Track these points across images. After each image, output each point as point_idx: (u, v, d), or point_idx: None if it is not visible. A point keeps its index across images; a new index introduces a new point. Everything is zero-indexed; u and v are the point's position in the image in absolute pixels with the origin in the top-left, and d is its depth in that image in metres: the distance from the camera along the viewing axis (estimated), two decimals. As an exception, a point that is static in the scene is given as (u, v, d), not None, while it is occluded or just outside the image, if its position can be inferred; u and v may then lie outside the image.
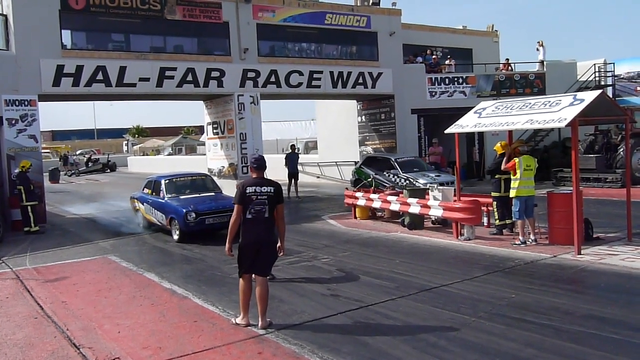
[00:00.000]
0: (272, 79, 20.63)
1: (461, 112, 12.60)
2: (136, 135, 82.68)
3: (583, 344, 5.83)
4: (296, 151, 22.55)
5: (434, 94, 24.19)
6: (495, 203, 11.85)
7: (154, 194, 14.14)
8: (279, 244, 6.81)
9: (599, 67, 26.12)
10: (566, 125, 9.59)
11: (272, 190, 6.65)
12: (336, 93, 22.81)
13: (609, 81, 26.13)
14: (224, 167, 21.32)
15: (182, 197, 13.48)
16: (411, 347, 5.98)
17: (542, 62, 25.69)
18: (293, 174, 21.46)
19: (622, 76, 26.55)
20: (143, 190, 14.93)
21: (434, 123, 23.76)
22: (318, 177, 28.43)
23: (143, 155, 61.26)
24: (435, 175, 18.06)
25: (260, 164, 6.89)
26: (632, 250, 9.80)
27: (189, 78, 18.98)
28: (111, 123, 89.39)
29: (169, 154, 57.29)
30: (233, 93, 19.92)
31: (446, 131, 12.18)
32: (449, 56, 26.49)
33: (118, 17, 18.11)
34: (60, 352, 6.27)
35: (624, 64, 26.55)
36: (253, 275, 6.72)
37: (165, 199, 13.52)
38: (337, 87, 22.11)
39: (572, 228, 9.86)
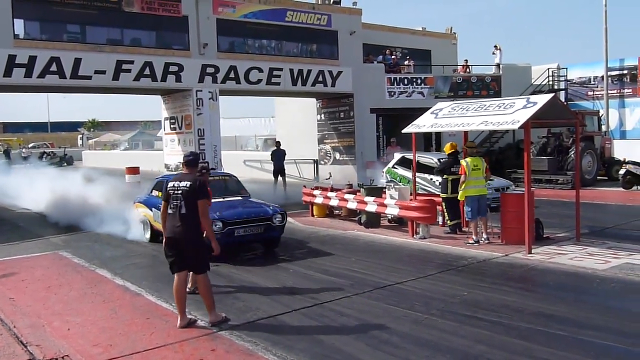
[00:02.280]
0: (232, 75, 20.48)
1: (419, 112, 12.75)
2: (92, 129, 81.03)
3: (531, 340, 5.98)
4: (282, 147, 22.04)
5: (392, 93, 24.41)
6: (444, 204, 12.05)
7: None
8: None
9: (552, 71, 26.85)
10: (519, 127, 9.82)
11: (188, 186, 6.57)
12: (296, 91, 22.80)
13: (562, 85, 26.89)
14: (181, 162, 21.02)
15: None
16: (364, 344, 6.03)
17: (498, 65, 26.19)
18: (279, 171, 21.27)
19: (574, 81, 27.38)
20: (151, 192, 12.19)
21: (392, 123, 23.96)
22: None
23: (105, 148, 59.98)
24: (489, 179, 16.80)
25: (188, 160, 6.98)
26: (580, 250, 10.08)
27: (147, 72, 18.67)
28: (65, 116, 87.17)
29: (126, 149, 56.33)
30: (191, 88, 19.69)
31: (403, 131, 12.31)
32: (408, 57, 26.78)
33: (74, 7, 17.69)
34: (6, 350, 6.11)
35: (576, 69, 27.37)
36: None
37: None
38: (296, 85, 22.08)
39: (523, 228, 10.09)
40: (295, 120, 27.52)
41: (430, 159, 16.42)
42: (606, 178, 21.92)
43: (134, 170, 22.26)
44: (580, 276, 8.56)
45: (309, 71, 22.26)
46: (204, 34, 19.83)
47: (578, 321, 6.54)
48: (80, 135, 72.54)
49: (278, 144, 22.33)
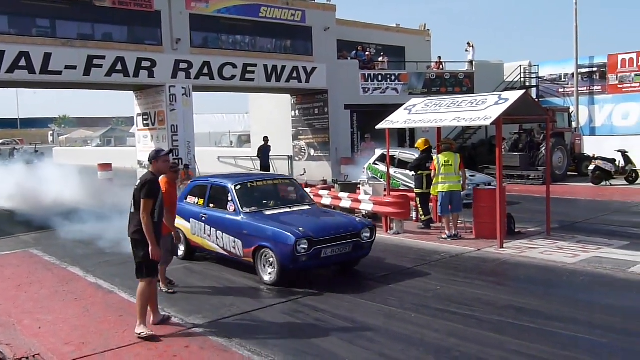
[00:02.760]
0: (205, 70, 20.35)
1: (393, 108, 12.80)
2: (63, 126, 79.80)
3: (503, 333, 6.08)
4: (269, 143, 21.77)
5: (367, 90, 24.49)
6: (418, 199, 12.16)
7: (211, 205, 9.33)
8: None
9: (524, 68, 27.19)
10: (491, 124, 9.92)
11: (137, 184, 6.32)
12: (270, 87, 22.74)
13: (534, 82, 27.27)
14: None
15: (267, 212, 8.77)
16: (339, 339, 6.07)
17: (471, 62, 26.45)
18: (266, 168, 21.02)
19: (545, 78, 27.73)
20: (185, 198, 9.90)
21: (366, 119, 24.01)
22: (250, 171, 28.25)
23: (76, 145, 59.11)
24: (471, 175, 15.94)
25: (149, 157, 6.55)
26: (550, 244, 10.25)
27: (119, 67, 18.45)
28: (36, 112, 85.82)
29: (98, 145, 55.63)
30: (164, 84, 19.52)
31: (377, 127, 12.37)
32: (382, 53, 26.88)
33: (44, 1, 17.46)
34: (-25, 349, 6.01)
35: (547, 66, 27.73)
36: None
37: (242, 215, 8.62)
38: (271, 81, 22.03)
39: (495, 223, 10.23)
40: (270, 117, 27.44)
41: (411, 155, 16.51)
42: (576, 174, 22.30)
43: (106, 167, 22.05)
44: (551, 270, 8.71)
45: (283, 67, 22.22)
46: (176, 29, 19.67)
47: (548, 313, 6.66)
48: (51, 132, 71.44)
49: (266, 139, 21.90)
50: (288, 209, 9.00)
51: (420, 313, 6.76)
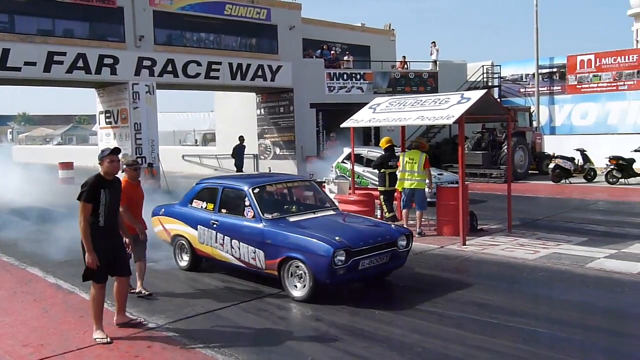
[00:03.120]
0: (169, 68, 20.17)
1: (358, 107, 12.87)
2: (22, 123, 78.00)
3: (464, 328, 6.16)
4: (244, 143, 21.30)
5: (332, 88, 24.56)
6: (382, 197, 12.24)
7: (223, 210, 8.30)
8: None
9: (486, 68, 27.62)
10: (454, 122, 10.05)
11: None
12: (235, 85, 22.64)
13: (496, 82, 27.70)
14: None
15: (291, 218, 7.87)
16: (303, 336, 6.09)
17: (435, 62, 26.74)
18: (240, 168, 20.60)
19: (507, 78, 28.19)
20: (190, 203, 8.91)
21: (332, 117, 24.06)
22: (216, 170, 28.08)
23: (35, 143, 57.85)
24: (439, 174, 16.42)
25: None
26: (512, 241, 10.44)
27: (80, 64, 18.16)
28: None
29: (59, 144, 54.54)
30: (127, 81, 19.29)
31: (342, 125, 12.42)
32: (347, 52, 26.98)
33: (1, -5, 17.03)
34: None
35: (509, 66, 28.20)
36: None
37: (263, 222, 7.66)
38: (236, 79, 21.94)
39: (458, 220, 10.37)
40: (235, 115, 27.31)
41: (379, 153, 16.57)
42: (537, 172, 22.74)
43: (67, 165, 21.65)
44: (512, 266, 8.86)
45: (249, 65, 22.15)
46: (140, 26, 19.43)
47: (509, 309, 6.78)
48: (10, 130, 69.73)
49: (241, 138, 21.41)
50: (313, 215, 8.10)
51: (383, 310, 6.80)
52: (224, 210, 8.29)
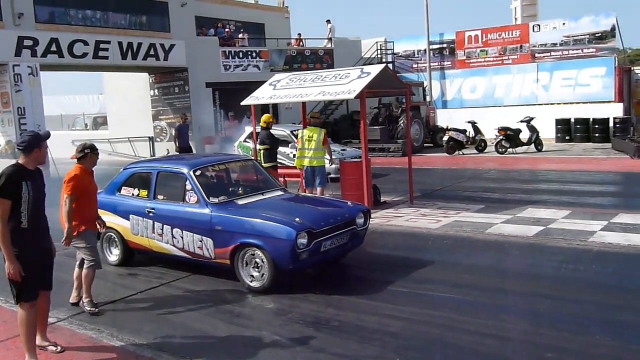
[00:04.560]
0: (53, 48, 18.92)
1: (255, 85, 12.69)
2: None
3: (376, 299, 6.24)
4: (187, 122, 19.26)
5: (228, 67, 24.09)
6: None
7: (160, 197, 7.53)
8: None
9: (380, 45, 28.10)
10: (355, 97, 10.12)
11: None
12: (126, 65, 21.64)
13: (390, 58, 28.25)
14: (0, 145, 19.21)
15: (239, 201, 7.27)
16: (217, 319, 5.94)
17: (330, 39, 26.87)
18: (186, 150, 18.14)
19: (400, 54, 28.84)
20: (118, 190, 8.03)
21: (229, 97, 23.64)
22: (110, 154, 26.89)
23: None
24: (341, 150, 16.52)
25: (20, 145, 5.00)
26: (414, 212, 10.73)
27: (-50, 44, 16.69)
28: None
29: None
30: (7, 63, 17.91)
31: (242, 103, 12.19)
32: (241, 30, 26.53)
33: None
34: None
35: (402, 42, 28.84)
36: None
37: (209, 207, 6.98)
38: (126, 59, 20.96)
39: (362, 194, 10.50)
40: (127, 97, 26.18)
41: (283, 131, 16.49)
42: (432, 145, 23.56)
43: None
44: (416, 235, 9.12)
45: (140, 44, 21.23)
46: (18, 2, 18.09)
47: (416, 277, 6.95)
48: None
49: (184, 117, 19.28)
50: (262, 196, 7.51)
51: (295, 287, 6.75)
52: (160, 197, 7.50)
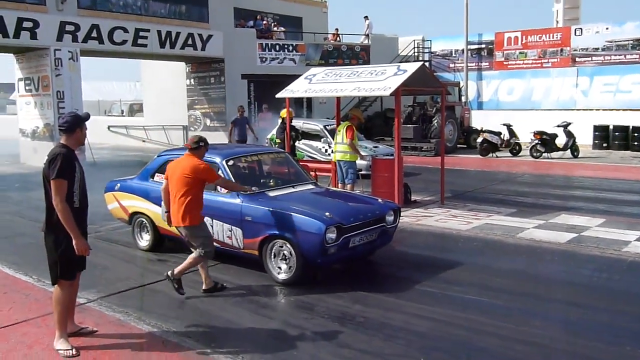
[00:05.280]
0: (94, 34, 19.20)
1: (291, 79, 12.66)
2: None
3: (403, 298, 6.20)
4: (245, 114, 18.27)
5: (264, 59, 24.16)
6: None
7: None
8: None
9: (417, 43, 27.88)
10: (390, 94, 10.05)
11: (46, 162, 4.86)
12: (164, 53, 21.86)
13: (426, 57, 28.04)
14: (38, 127, 19.60)
15: (270, 193, 7.22)
16: (243, 309, 5.96)
17: (367, 35, 26.75)
18: (244, 142, 17.47)
19: (437, 53, 28.59)
20: (151, 177, 8.10)
21: (264, 89, 23.73)
22: (144, 141, 27.27)
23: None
24: (374, 147, 16.21)
25: (62, 126, 5.01)
26: (444, 213, 10.62)
27: (-5, 27, 17.02)
28: None
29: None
30: (49, 47, 18.23)
31: (277, 95, 12.20)
32: (278, 23, 26.59)
33: None
34: None
35: (439, 41, 28.58)
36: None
37: (240, 197, 6.95)
38: (165, 47, 21.17)
39: (393, 192, 10.43)
40: (164, 85, 26.49)
41: (315, 125, 16.51)
42: (465, 146, 23.29)
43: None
44: (446, 236, 9.02)
45: (178, 33, 21.42)
46: (62, -12, 18.37)
47: (446, 278, 6.87)
48: None
49: (241, 109, 18.12)
50: (293, 189, 7.46)
51: (321, 282, 6.75)
52: None
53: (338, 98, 12.59)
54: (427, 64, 27.47)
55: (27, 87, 19.92)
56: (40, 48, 18.42)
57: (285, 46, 24.73)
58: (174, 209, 6.22)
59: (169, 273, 6.30)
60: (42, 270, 7.11)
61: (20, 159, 20.52)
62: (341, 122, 11.43)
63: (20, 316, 5.72)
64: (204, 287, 6.44)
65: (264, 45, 24.17)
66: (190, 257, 6.32)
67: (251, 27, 24.68)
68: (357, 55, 25.98)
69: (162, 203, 6.54)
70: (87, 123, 5.09)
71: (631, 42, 23.04)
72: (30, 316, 5.74)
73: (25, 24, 17.58)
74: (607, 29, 23.67)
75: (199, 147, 6.22)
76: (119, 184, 8.53)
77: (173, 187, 6.20)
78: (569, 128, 19.69)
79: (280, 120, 13.61)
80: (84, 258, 5.06)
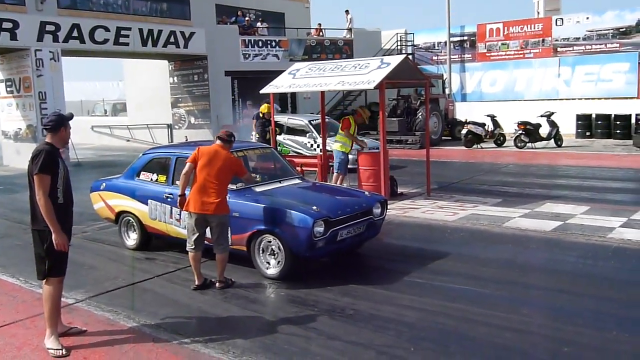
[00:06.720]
0: (75, 33, 19.04)
1: (274, 75, 12.63)
2: None
3: (392, 289, 6.23)
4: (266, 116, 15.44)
5: (247, 56, 24.09)
6: None
7: (178, 182, 6.87)
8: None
9: (400, 36, 27.92)
10: (374, 87, 10.08)
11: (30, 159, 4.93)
12: (146, 52, 21.73)
13: (409, 50, 28.06)
14: (21, 129, 19.41)
15: (257, 188, 7.19)
16: (232, 305, 5.97)
17: (349, 29, 26.76)
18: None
19: (420, 46, 28.66)
20: (137, 175, 8.10)
21: (248, 85, 23.66)
22: (128, 141, 27.10)
23: None
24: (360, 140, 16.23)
25: (47, 125, 5.08)
26: (431, 204, 10.67)
27: (-26, 28, 16.83)
28: None
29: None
30: (30, 47, 18.07)
31: (261, 91, 12.17)
32: (261, 19, 26.52)
33: None
34: None
35: (422, 34, 28.64)
36: None
37: (227, 193, 6.60)
38: (147, 46, 21.05)
39: (379, 185, 10.48)
40: (147, 83, 26.35)
41: (300, 121, 16.49)
42: (450, 138, 23.40)
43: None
44: (433, 227, 9.07)
45: (160, 31, 21.31)
46: (41, -13, 18.20)
47: (433, 269, 6.92)
48: None
49: (259, 115, 15.85)
50: (279, 184, 7.46)
51: (309, 274, 6.77)
52: (178, 182, 6.90)
53: (322, 93, 12.59)
54: (410, 57, 27.55)
55: (8, 89, 19.72)
56: (21, 49, 18.25)
57: (268, 42, 24.68)
58: (207, 196, 6.20)
59: (214, 281, 6.46)
60: (29, 272, 7.07)
61: (3, 161, 20.34)
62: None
63: (7, 318, 5.69)
64: (197, 284, 6.44)
65: (246, 41, 24.10)
66: (219, 259, 6.42)
67: (232, 23, 24.60)
68: (340, 50, 25.99)
69: (180, 186, 6.47)
70: (70, 123, 5.10)
71: (611, 31, 23.24)
72: (18, 318, 5.71)
73: (5, 25, 17.41)
74: (587, 18, 23.86)
75: (231, 140, 6.52)
76: (104, 184, 8.49)
77: (211, 175, 6.21)
78: (552, 118, 19.85)
79: (261, 115, 13.85)
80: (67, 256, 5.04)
